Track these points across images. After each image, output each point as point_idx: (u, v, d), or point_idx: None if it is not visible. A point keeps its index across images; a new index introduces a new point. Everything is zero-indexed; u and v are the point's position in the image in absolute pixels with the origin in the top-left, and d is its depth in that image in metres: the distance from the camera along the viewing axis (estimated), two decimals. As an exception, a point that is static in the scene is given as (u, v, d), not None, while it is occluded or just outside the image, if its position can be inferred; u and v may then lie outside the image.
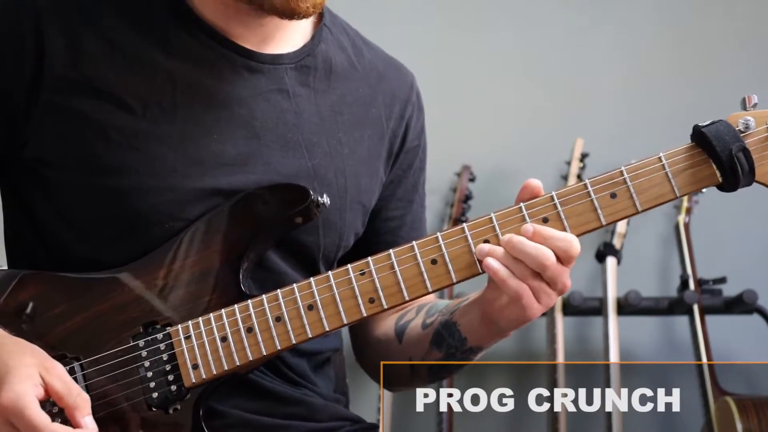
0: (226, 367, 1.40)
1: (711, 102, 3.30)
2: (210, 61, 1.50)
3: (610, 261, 3.19)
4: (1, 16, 1.48)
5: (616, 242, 3.21)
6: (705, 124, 1.40)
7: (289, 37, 1.57)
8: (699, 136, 1.40)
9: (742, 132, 1.39)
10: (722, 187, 1.41)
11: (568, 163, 3.26)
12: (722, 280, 3.19)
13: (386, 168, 1.64)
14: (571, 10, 3.43)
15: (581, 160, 3.25)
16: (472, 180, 3.29)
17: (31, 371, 1.31)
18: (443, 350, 1.55)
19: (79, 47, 1.47)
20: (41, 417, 1.29)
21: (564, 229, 1.39)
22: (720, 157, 1.38)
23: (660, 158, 1.40)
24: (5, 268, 1.51)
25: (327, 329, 1.41)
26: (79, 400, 1.32)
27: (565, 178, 3.25)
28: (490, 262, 1.38)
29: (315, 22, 1.61)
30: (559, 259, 1.37)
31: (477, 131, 3.38)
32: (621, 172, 1.40)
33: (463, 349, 1.53)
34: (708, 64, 3.43)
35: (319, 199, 1.46)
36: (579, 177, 3.22)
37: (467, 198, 3.26)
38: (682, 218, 3.25)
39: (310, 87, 1.56)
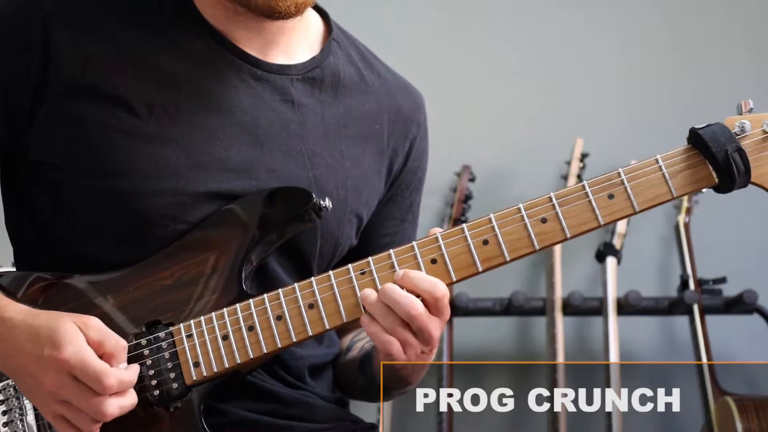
0: (227, 365, 1.41)
1: (711, 102, 3.30)
2: (216, 66, 1.51)
3: (610, 261, 3.20)
4: (7, 21, 1.48)
5: (616, 242, 3.21)
6: (701, 126, 1.41)
7: (297, 47, 1.57)
8: (695, 137, 1.41)
9: (738, 134, 1.40)
10: (718, 188, 1.41)
11: (568, 163, 3.26)
12: (722, 280, 3.19)
13: (385, 185, 1.65)
14: (571, 10, 3.43)
15: (581, 160, 3.25)
16: (472, 180, 3.29)
17: (74, 327, 1.34)
18: (364, 378, 1.58)
19: (85, 51, 1.47)
20: (102, 364, 1.33)
21: (562, 229, 1.40)
22: (716, 158, 1.39)
23: (657, 160, 1.41)
24: (12, 269, 1.53)
25: (327, 327, 1.41)
26: (116, 348, 1.36)
27: (565, 178, 3.25)
28: (364, 318, 1.40)
29: (324, 35, 1.62)
30: (427, 305, 1.38)
31: (477, 131, 3.39)
32: (618, 173, 1.41)
33: (375, 383, 1.55)
34: (708, 64, 3.43)
35: (321, 202, 1.47)
36: (579, 177, 3.22)
37: (467, 198, 3.26)
38: (682, 218, 3.26)
39: (316, 98, 1.57)
